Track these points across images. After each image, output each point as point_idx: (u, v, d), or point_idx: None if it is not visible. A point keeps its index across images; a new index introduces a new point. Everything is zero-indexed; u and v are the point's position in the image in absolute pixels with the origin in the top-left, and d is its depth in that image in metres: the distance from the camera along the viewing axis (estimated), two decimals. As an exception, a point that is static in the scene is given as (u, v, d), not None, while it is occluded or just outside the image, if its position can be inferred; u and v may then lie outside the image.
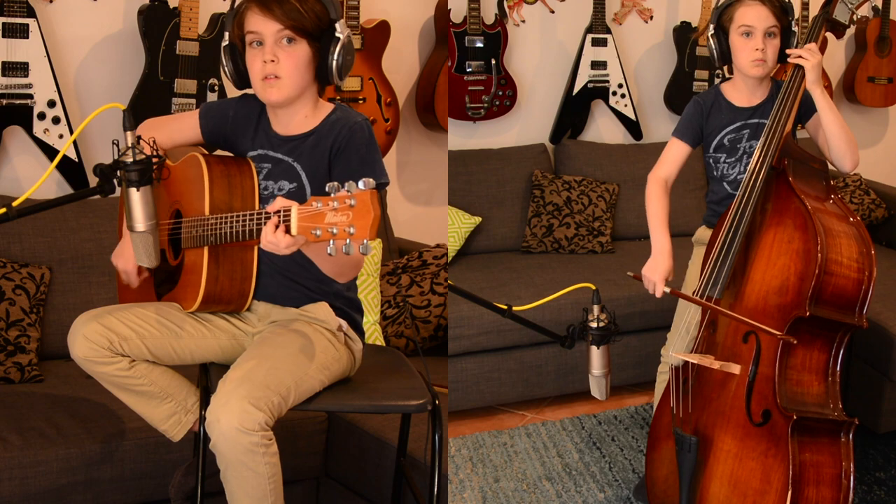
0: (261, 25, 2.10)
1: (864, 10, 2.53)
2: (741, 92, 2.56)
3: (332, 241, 1.70)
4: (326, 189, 1.72)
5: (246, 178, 2.19)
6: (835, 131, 2.40)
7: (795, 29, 2.47)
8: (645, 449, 3.08)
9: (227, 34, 2.19)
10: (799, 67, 2.38)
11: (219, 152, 2.38)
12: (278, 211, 1.82)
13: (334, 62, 2.14)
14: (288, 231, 1.80)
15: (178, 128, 2.33)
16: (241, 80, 2.21)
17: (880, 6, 4.44)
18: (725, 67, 2.59)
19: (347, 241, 1.68)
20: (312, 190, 2.19)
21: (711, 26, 2.52)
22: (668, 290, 2.37)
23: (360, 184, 1.70)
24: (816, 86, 2.37)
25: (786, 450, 2.14)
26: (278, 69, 2.11)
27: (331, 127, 2.19)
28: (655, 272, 2.44)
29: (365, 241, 1.68)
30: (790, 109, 2.37)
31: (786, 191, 2.28)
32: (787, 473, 2.13)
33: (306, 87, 2.17)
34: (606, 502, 2.87)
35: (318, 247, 1.91)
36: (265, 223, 1.85)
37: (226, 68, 2.21)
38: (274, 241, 1.83)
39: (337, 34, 2.13)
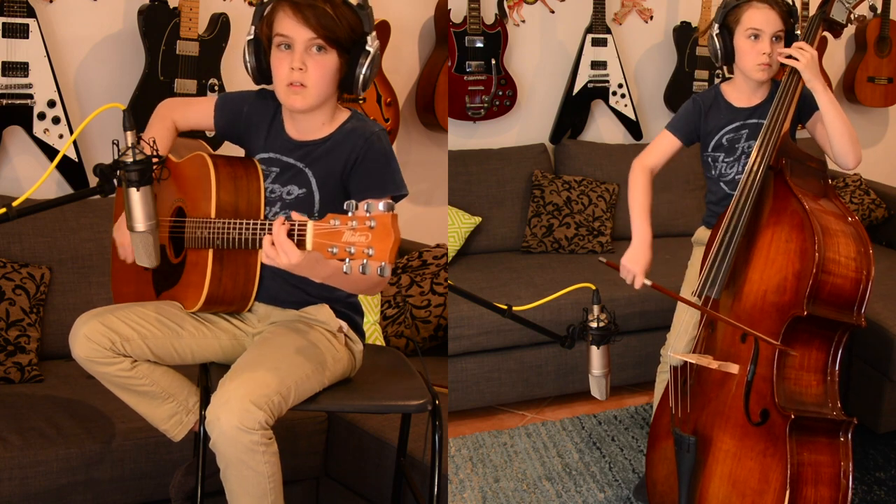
0: (292, 30, 2.07)
1: (863, 10, 2.52)
2: (741, 92, 2.56)
3: (347, 260, 1.69)
4: (345, 207, 1.70)
5: (252, 181, 2.18)
6: (838, 127, 2.38)
7: (798, 33, 2.47)
8: (645, 449, 3.09)
9: (252, 28, 2.15)
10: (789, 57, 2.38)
11: (226, 148, 2.38)
12: (293, 222, 1.79)
13: (362, 75, 2.12)
14: (302, 245, 1.78)
15: (196, 112, 2.31)
16: (262, 76, 2.18)
17: (879, 5, 4.44)
18: (725, 67, 2.59)
19: (365, 261, 1.66)
20: (321, 196, 2.18)
21: (716, 25, 2.51)
22: (648, 282, 2.35)
23: (381, 205, 1.67)
24: (817, 82, 2.36)
25: (784, 449, 2.14)
26: (305, 77, 2.08)
27: (347, 136, 2.17)
28: (636, 263, 2.43)
29: (383, 263, 1.66)
30: (787, 109, 2.37)
31: (783, 190, 2.28)
32: (785, 473, 2.13)
33: (330, 95, 2.15)
34: (606, 502, 2.87)
35: (334, 269, 1.90)
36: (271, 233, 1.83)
37: (247, 63, 2.18)
38: (283, 249, 1.79)
39: (367, 47, 2.11)
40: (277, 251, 1.80)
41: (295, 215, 1.81)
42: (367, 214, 1.67)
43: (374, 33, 2.12)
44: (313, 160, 2.18)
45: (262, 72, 2.18)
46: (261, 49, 2.16)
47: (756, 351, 2.22)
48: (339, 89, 2.16)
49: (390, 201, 1.68)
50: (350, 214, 1.69)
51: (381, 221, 1.66)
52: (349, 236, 1.68)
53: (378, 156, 2.14)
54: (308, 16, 2.05)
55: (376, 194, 2.09)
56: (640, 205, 2.52)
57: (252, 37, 2.16)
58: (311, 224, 1.74)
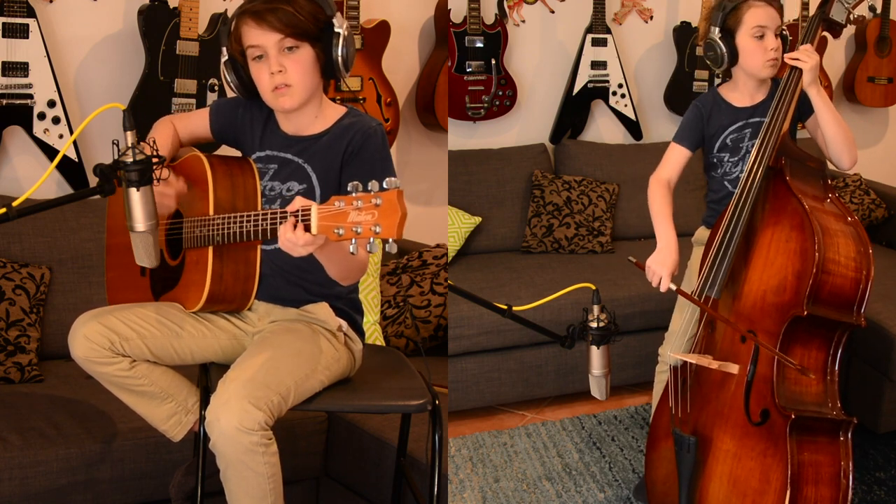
0: (260, 38, 2.09)
1: (862, 10, 2.52)
2: (742, 93, 2.57)
3: (354, 241, 1.70)
4: (349, 189, 1.71)
5: (248, 179, 2.18)
6: (832, 129, 2.40)
7: (786, 33, 2.48)
8: (645, 449, 3.09)
9: (224, 49, 2.18)
10: (796, 68, 2.39)
11: (223, 150, 2.38)
12: (296, 210, 1.82)
13: (339, 58, 2.13)
14: (307, 229, 1.79)
15: (194, 122, 2.33)
16: (248, 91, 2.21)
17: (878, 6, 4.44)
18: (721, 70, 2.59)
19: (371, 239, 1.68)
20: (322, 191, 2.18)
21: (716, 29, 2.51)
22: (674, 286, 2.35)
23: (385, 183, 1.69)
24: (813, 86, 2.38)
25: (784, 449, 2.14)
26: (287, 78, 2.10)
27: (345, 130, 2.19)
28: (663, 266, 2.41)
29: (391, 239, 1.68)
30: (787, 109, 2.37)
31: (783, 190, 2.28)
32: (786, 473, 2.13)
33: (315, 88, 2.17)
34: (606, 502, 2.87)
35: (330, 249, 1.91)
36: (280, 222, 1.85)
37: (231, 83, 2.20)
38: (293, 239, 1.81)
39: (336, 29, 2.12)
40: (296, 235, 1.81)
41: (299, 199, 1.82)
42: (372, 192, 1.68)
43: (338, 14, 2.13)
44: (311, 155, 2.19)
45: (246, 87, 2.20)
46: (238, 66, 2.18)
47: (756, 351, 2.22)
48: (323, 77, 2.18)
49: (394, 179, 1.69)
50: (355, 195, 1.69)
51: (386, 198, 1.67)
52: (355, 216, 1.69)
53: (374, 150, 2.16)
54: (270, 20, 2.07)
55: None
56: (661, 211, 2.53)
57: (227, 57, 2.18)
58: (315, 207, 1.75)
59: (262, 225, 1.94)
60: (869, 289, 2.22)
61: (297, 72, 2.11)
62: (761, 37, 2.45)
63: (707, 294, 2.30)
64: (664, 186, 2.57)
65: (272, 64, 2.10)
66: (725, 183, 2.59)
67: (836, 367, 2.24)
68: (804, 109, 2.50)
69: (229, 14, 3.25)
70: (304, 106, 2.17)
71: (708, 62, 2.56)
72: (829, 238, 2.18)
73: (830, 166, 2.56)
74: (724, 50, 2.50)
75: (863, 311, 2.23)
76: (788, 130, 2.39)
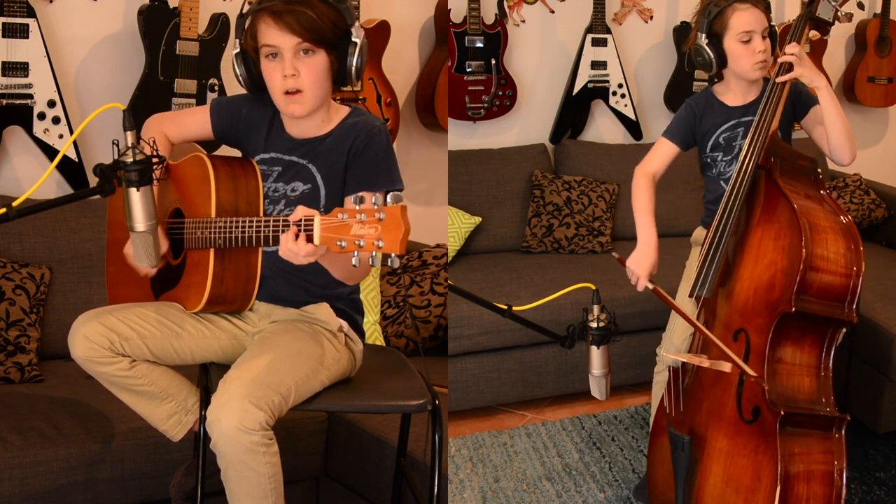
0: (278, 39, 2.07)
1: (851, 8, 2.51)
2: (735, 93, 2.58)
3: (356, 253, 1.70)
4: (352, 200, 1.71)
5: (251, 180, 2.18)
6: (837, 125, 2.40)
7: (776, 31, 2.49)
8: (645, 449, 3.09)
9: (237, 41, 2.17)
10: (782, 65, 2.38)
11: (223, 150, 2.38)
12: (299, 220, 1.81)
13: (353, 67, 2.13)
14: (310, 240, 1.79)
15: (189, 122, 2.32)
16: (255, 86, 2.20)
17: (866, 2, 4.44)
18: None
19: (374, 253, 1.68)
20: (327, 191, 2.18)
21: (703, 35, 2.51)
22: (650, 286, 2.35)
23: (389, 197, 1.69)
24: (819, 80, 2.37)
25: (774, 446, 2.14)
26: (299, 83, 2.09)
27: (349, 130, 2.18)
28: (640, 265, 2.43)
29: (393, 254, 1.68)
30: (775, 108, 2.37)
31: (773, 189, 2.28)
32: (776, 469, 2.13)
33: (326, 95, 2.16)
34: (606, 502, 2.87)
35: (332, 256, 1.90)
36: (283, 231, 1.84)
37: (239, 76, 2.19)
38: (294, 249, 1.81)
39: (354, 39, 2.11)
40: (298, 245, 1.81)
41: (301, 209, 1.82)
42: (376, 206, 1.68)
43: (357, 23, 2.13)
44: (316, 156, 2.19)
45: (254, 81, 2.19)
46: (249, 60, 2.17)
47: (747, 349, 2.22)
48: (333, 84, 2.17)
49: (398, 193, 1.69)
50: (358, 207, 1.69)
51: (390, 213, 1.67)
52: (358, 229, 1.69)
53: (377, 150, 2.16)
54: (290, 22, 2.05)
55: (369, 188, 2.10)
56: (644, 207, 2.53)
57: (238, 49, 2.17)
58: (317, 218, 1.75)
59: (263, 232, 1.94)
60: (860, 285, 2.21)
61: (310, 77, 2.10)
62: (748, 41, 2.45)
63: (698, 294, 2.31)
64: (649, 180, 2.58)
65: (286, 66, 2.08)
66: (721, 183, 2.59)
67: (831, 364, 2.23)
68: (800, 108, 2.51)
69: (229, 14, 3.28)
70: (313, 112, 2.17)
71: (697, 66, 2.57)
72: (816, 234, 2.17)
73: (831, 165, 2.56)
74: (712, 56, 2.50)
75: (854, 306, 2.22)
76: (778, 129, 2.39)
